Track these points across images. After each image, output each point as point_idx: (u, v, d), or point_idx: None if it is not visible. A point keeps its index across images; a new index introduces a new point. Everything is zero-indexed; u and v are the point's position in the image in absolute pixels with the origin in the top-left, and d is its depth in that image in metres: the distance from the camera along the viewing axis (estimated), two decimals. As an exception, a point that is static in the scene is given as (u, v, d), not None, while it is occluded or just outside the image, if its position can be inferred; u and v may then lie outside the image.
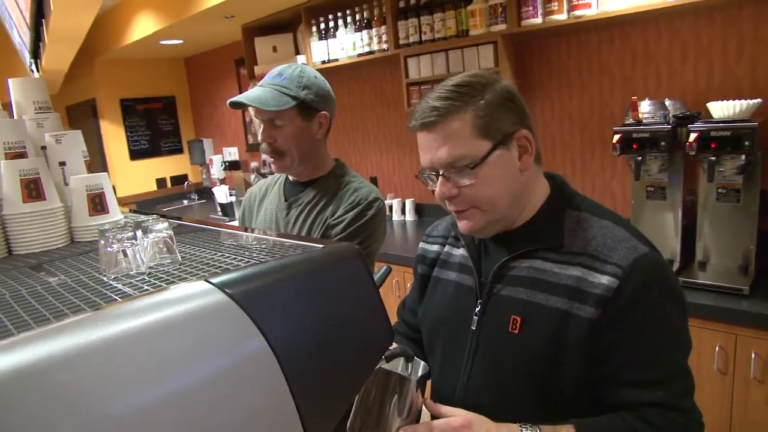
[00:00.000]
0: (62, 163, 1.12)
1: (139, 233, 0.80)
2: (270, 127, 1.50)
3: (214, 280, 0.52)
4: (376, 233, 1.54)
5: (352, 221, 1.49)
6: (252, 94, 1.47)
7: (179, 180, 5.75)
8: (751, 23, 2.16)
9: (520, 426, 0.89)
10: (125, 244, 0.75)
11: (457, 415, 0.91)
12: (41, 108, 1.19)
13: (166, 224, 0.81)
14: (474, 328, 1.02)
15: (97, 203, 1.05)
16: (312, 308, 0.58)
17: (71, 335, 0.43)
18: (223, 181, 5.16)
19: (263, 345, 0.53)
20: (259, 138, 1.54)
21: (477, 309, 1.02)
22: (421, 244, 1.24)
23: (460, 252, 1.12)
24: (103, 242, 0.77)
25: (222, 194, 4.86)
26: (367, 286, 0.65)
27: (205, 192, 5.44)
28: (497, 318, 0.99)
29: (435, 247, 1.19)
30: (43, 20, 2.99)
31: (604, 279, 0.90)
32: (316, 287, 0.59)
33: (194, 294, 0.51)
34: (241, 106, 1.48)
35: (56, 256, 0.92)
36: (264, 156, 5.06)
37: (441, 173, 0.95)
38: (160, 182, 5.66)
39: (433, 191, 0.99)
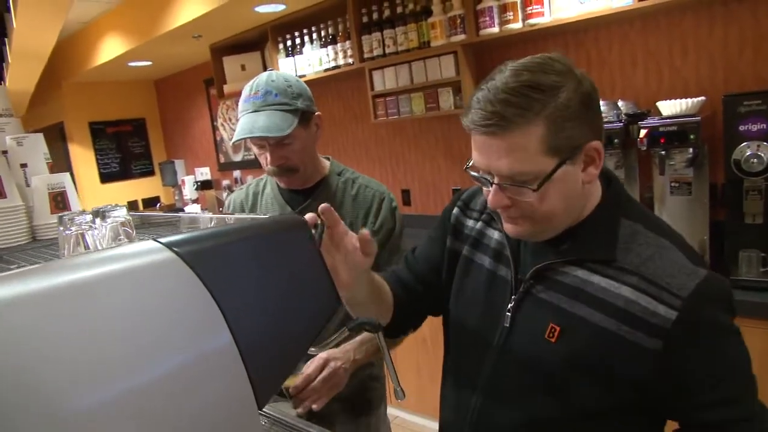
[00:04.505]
0: (24, 165, 1.13)
1: (97, 219, 0.83)
2: (279, 149, 1.40)
3: (162, 240, 0.55)
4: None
5: (389, 231, 1.50)
6: (258, 123, 1.35)
7: (151, 202, 5.71)
8: (693, 27, 2.28)
9: None
10: (83, 227, 0.77)
11: None
12: (2, 113, 1.20)
13: (123, 210, 0.84)
14: (507, 325, 0.96)
15: (59, 201, 1.06)
16: (258, 270, 0.61)
17: (11, 283, 0.45)
18: (195, 201, 5.15)
19: (210, 301, 0.56)
20: (268, 163, 1.43)
21: (510, 305, 0.96)
22: (456, 211, 1.13)
23: (495, 236, 1.04)
24: (62, 228, 0.79)
25: (194, 213, 4.85)
26: (313, 254, 0.69)
27: (177, 212, 5.42)
28: (532, 320, 0.93)
29: (470, 222, 1.10)
30: (5, 39, 2.99)
31: (661, 308, 0.82)
32: (262, 251, 0.63)
33: (143, 251, 0.54)
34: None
35: (17, 250, 0.93)
36: (236, 174, 5.07)
37: (496, 182, 0.86)
38: (132, 205, 5.62)
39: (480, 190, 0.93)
